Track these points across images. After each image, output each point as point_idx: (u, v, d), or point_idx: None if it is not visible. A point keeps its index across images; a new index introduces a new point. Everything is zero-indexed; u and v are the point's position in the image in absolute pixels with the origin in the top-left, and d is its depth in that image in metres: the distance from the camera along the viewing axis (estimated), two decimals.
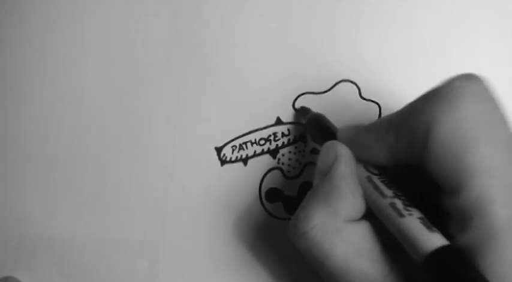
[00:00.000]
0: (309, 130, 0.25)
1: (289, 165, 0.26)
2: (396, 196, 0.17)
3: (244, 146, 0.26)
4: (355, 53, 0.25)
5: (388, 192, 0.18)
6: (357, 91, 0.25)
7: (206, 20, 0.26)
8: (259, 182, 0.26)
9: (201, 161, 0.26)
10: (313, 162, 0.26)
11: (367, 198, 0.19)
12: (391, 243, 0.18)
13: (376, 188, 0.18)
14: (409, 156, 0.18)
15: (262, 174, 0.26)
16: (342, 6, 0.26)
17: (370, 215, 0.19)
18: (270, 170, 0.26)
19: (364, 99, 0.25)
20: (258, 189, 0.26)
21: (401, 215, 0.17)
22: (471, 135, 0.16)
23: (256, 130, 0.26)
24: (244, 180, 0.26)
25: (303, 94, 0.26)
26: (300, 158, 0.26)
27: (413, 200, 0.18)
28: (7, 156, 0.27)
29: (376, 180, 0.18)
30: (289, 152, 0.26)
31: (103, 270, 0.26)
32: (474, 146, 0.16)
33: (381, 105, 0.25)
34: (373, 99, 0.25)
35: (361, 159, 0.20)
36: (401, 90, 0.25)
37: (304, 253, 0.19)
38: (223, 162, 0.26)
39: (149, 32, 0.26)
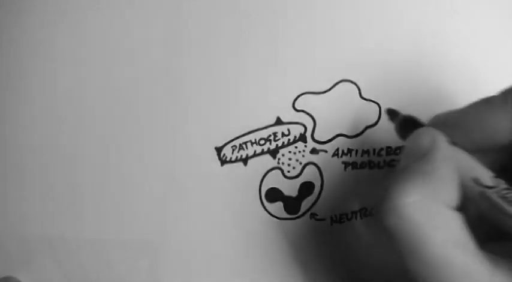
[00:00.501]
0: (401, 131, 0.21)
1: (289, 165, 0.26)
2: None
3: (244, 146, 0.26)
4: (355, 53, 0.25)
5: (511, 209, 0.16)
6: (357, 91, 0.25)
7: (206, 20, 0.26)
8: (259, 182, 0.26)
9: (201, 161, 0.26)
10: (313, 162, 0.26)
11: (485, 213, 0.17)
12: (481, 237, 0.16)
13: (496, 206, 0.16)
14: None
15: (262, 174, 0.26)
16: (342, 6, 0.26)
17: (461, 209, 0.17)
18: (270, 170, 0.26)
19: (364, 99, 0.25)
20: (258, 189, 0.26)
21: None
22: None
23: (256, 130, 0.26)
24: (244, 180, 0.26)
25: (303, 94, 0.26)
26: (300, 158, 0.26)
27: None
28: (7, 156, 0.27)
29: (493, 195, 0.16)
30: (289, 152, 0.26)
31: (103, 270, 0.26)
32: None
33: (381, 105, 0.25)
34: (373, 99, 0.25)
35: (472, 145, 0.18)
36: (401, 90, 0.25)
37: (394, 234, 0.16)
38: (223, 162, 0.26)
39: (149, 31, 0.26)
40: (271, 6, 0.26)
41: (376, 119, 0.25)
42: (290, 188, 0.26)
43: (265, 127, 0.26)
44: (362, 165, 0.25)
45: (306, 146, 0.26)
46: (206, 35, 0.26)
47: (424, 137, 0.18)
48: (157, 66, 0.26)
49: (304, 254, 0.26)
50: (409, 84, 0.25)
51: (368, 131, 0.25)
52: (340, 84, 0.25)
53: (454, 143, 0.18)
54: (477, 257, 0.15)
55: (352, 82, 0.25)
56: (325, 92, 0.26)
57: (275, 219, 0.26)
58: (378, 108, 0.25)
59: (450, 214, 0.16)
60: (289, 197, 0.26)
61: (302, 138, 0.26)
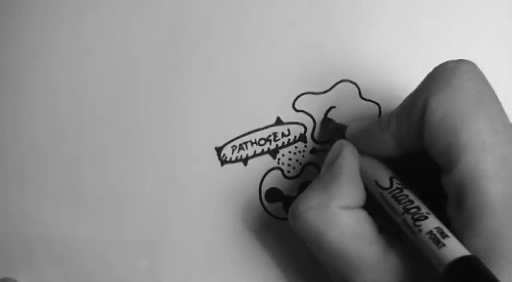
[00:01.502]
0: (331, 138, 0.25)
1: (289, 165, 0.26)
2: (406, 211, 0.18)
3: (244, 146, 0.26)
4: (355, 53, 0.25)
5: (399, 208, 0.18)
6: (357, 91, 0.25)
7: (206, 20, 0.26)
8: (259, 182, 0.26)
9: (201, 161, 0.26)
10: (313, 163, 0.26)
11: (385, 210, 0.19)
12: (388, 230, 0.19)
13: (389, 206, 0.19)
14: (411, 139, 0.19)
15: (262, 174, 0.26)
16: (341, 6, 0.26)
17: (373, 202, 0.20)
18: (270, 170, 0.26)
19: (364, 99, 0.25)
20: (258, 189, 0.26)
21: (413, 233, 0.17)
22: (465, 112, 0.17)
23: (256, 130, 0.26)
24: (244, 180, 0.26)
25: (303, 94, 0.26)
26: (300, 158, 0.26)
27: (421, 189, 0.18)
28: (7, 156, 0.27)
29: (387, 195, 0.19)
30: (289, 152, 0.26)
31: (103, 270, 0.26)
32: (468, 121, 0.17)
33: (381, 105, 0.25)
34: (373, 99, 0.25)
35: (370, 154, 0.21)
36: (401, 90, 0.25)
37: (301, 235, 0.20)
38: (223, 162, 0.26)
39: (149, 31, 0.26)
40: (271, 6, 0.26)
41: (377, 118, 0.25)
42: (290, 188, 0.26)
43: (265, 127, 0.26)
44: None
45: (306, 146, 0.26)
46: (206, 35, 0.26)
47: (334, 149, 0.21)
48: (157, 66, 0.26)
49: (304, 254, 0.26)
50: (409, 84, 0.25)
51: None
52: (340, 84, 0.25)
53: (360, 151, 0.21)
54: (371, 245, 0.18)
55: (352, 82, 0.25)
56: (325, 92, 0.26)
57: (275, 219, 0.26)
58: (378, 108, 0.25)
59: (346, 213, 0.19)
60: (289, 197, 0.26)
61: (302, 138, 0.26)
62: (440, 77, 0.18)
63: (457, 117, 0.17)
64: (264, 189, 0.26)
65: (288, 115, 0.26)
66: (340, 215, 0.19)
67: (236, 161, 0.26)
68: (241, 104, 0.26)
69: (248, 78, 0.26)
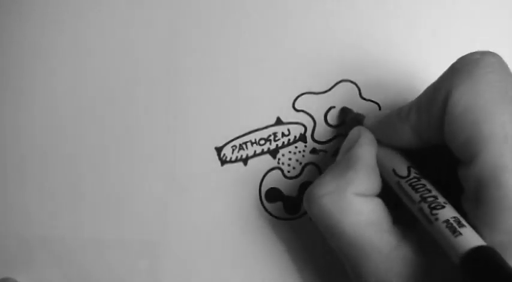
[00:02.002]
0: (349, 128, 0.24)
1: (289, 165, 0.26)
2: (423, 200, 0.18)
3: (244, 146, 0.26)
4: (355, 53, 0.25)
5: (416, 196, 0.18)
6: (357, 91, 0.25)
7: (206, 20, 0.26)
8: (259, 182, 0.26)
9: (201, 161, 0.26)
10: (313, 163, 0.26)
11: (401, 199, 0.19)
12: (403, 219, 0.19)
13: (406, 194, 0.19)
14: (431, 132, 0.18)
15: (262, 174, 0.26)
16: (342, 6, 0.26)
17: (388, 194, 0.20)
18: (270, 170, 0.26)
19: (364, 99, 0.25)
20: (258, 189, 0.26)
21: (429, 221, 0.17)
22: (489, 104, 0.16)
23: (256, 130, 0.26)
24: (244, 180, 0.26)
25: (303, 94, 0.26)
26: (300, 158, 0.26)
27: (437, 181, 0.18)
28: (7, 156, 0.27)
29: (404, 184, 0.19)
30: (289, 152, 0.26)
31: (103, 270, 0.26)
32: (491, 114, 0.16)
33: (381, 105, 0.25)
34: (373, 99, 0.25)
35: (389, 144, 0.20)
36: (401, 90, 0.25)
37: (315, 220, 0.20)
38: (223, 162, 0.26)
39: (149, 31, 0.26)
40: (272, 6, 0.26)
41: None
42: (290, 188, 0.26)
43: (265, 127, 0.26)
44: None
45: (306, 146, 0.26)
46: (206, 35, 0.26)
47: (352, 136, 0.21)
48: (157, 66, 0.26)
49: (304, 254, 0.26)
50: (409, 84, 0.25)
51: None
52: (340, 84, 0.25)
53: (377, 140, 0.21)
54: (385, 233, 0.18)
55: (352, 82, 0.25)
56: (325, 92, 0.26)
57: (275, 219, 0.26)
58: (378, 108, 0.25)
59: (361, 200, 0.19)
60: (289, 197, 0.26)
61: (302, 138, 0.26)
62: (464, 68, 0.17)
63: (480, 109, 0.16)
64: (264, 189, 0.26)
65: (288, 115, 0.26)
66: (356, 202, 0.19)
67: (236, 161, 0.26)
68: (241, 104, 0.26)
69: (248, 78, 0.26)
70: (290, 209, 0.26)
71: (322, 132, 0.26)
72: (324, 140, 0.26)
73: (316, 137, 0.26)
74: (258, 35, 0.26)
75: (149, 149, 0.26)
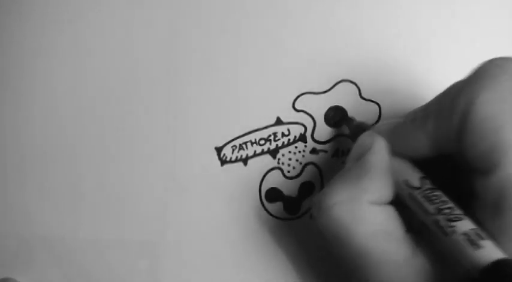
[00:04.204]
0: (353, 136, 0.24)
1: (289, 165, 0.26)
2: (439, 212, 0.17)
3: (244, 146, 0.26)
4: (355, 53, 0.25)
5: (431, 208, 0.18)
6: (357, 91, 0.25)
7: (206, 20, 0.26)
8: (259, 182, 0.26)
9: (201, 161, 0.26)
10: (313, 163, 0.26)
11: (414, 211, 0.19)
12: (416, 227, 0.18)
13: (419, 206, 0.18)
14: (449, 140, 0.18)
15: (262, 174, 0.26)
16: (341, 6, 0.26)
17: (397, 204, 0.19)
18: (270, 170, 0.26)
19: (364, 99, 0.25)
20: (258, 189, 0.26)
21: (445, 234, 0.17)
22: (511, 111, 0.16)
23: (256, 130, 0.26)
24: (244, 180, 0.26)
25: (303, 94, 0.26)
26: (300, 158, 0.26)
27: (449, 190, 0.18)
28: (7, 156, 0.27)
29: (417, 195, 0.18)
30: (289, 152, 0.26)
31: (103, 270, 0.26)
32: None
33: (381, 105, 0.25)
34: (373, 99, 0.25)
35: (400, 154, 0.20)
36: (401, 90, 0.25)
37: (324, 230, 0.19)
38: (223, 162, 0.26)
39: (149, 31, 0.26)
40: (271, 6, 0.26)
41: (376, 119, 0.25)
42: (290, 188, 0.26)
43: (265, 127, 0.26)
44: None
45: (306, 146, 0.26)
46: (206, 35, 0.26)
47: (363, 142, 0.20)
48: (157, 66, 0.26)
49: (304, 254, 0.26)
50: (409, 85, 0.25)
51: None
52: (340, 84, 0.25)
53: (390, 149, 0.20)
54: (399, 243, 0.18)
55: (352, 82, 0.25)
56: (325, 92, 0.26)
57: (275, 219, 0.26)
58: (378, 108, 0.25)
59: (375, 209, 0.18)
60: (289, 197, 0.26)
61: (302, 138, 0.26)
62: (487, 74, 0.17)
63: (504, 116, 0.16)
64: (264, 189, 0.26)
65: (288, 115, 0.26)
66: (370, 211, 0.18)
67: (236, 161, 0.26)
68: (241, 104, 0.26)
69: (248, 78, 0.26)
70: (290, 209, 0.26)
71: (322, 132, 0.26)
72: (324, 140, 0.26)
73: (316, 137, 0.26)
74: (258, 35, 0.26)
75: (149, 149, 0.26)
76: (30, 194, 0.26)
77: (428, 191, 0.18)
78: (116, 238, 0.26)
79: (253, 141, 0.26)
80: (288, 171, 0.26)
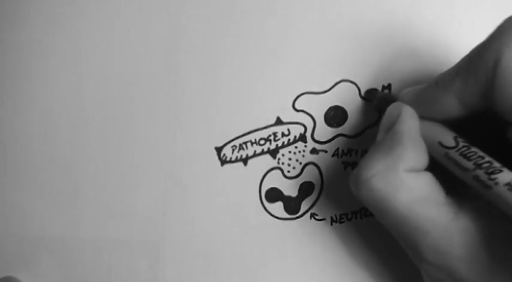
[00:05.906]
0: (378, 108, 0.24)
1: (289, 165, 0.26)
2: (478, 166, 0.17)
3: (244, 146, 0.26)
4: (355, 53, 0.25)
5: (469, 164, 0.18)
6: (357, 91, 0.25)
7: (206, 20, 0.26)
8: (259, 182, 0.26)
9: (201, 161, 0.26)
10: (313, 162, 0.26)
11: (451, 170, 0.19)
12: (457, 189, 0.19)
13: (457, 164, 0.18)
14: (478, 97, 0.18)
15: (262, 174, 0.26)
16: (341, 6, 0.26)
17: (434, 169, 0.19)
18: (270, 170, 0.26)
19: (364, 99, 0.25)
20: (258, 189, 0.26)
21: (488, 187, 0.17)
22: None
23: (256, 130, 0.26)
24: (244, 180, 0.26)
25: (303, 94, 0.26)
26: (300, 158, 0.26)
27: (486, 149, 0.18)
28: (7, 156, 0.27)
29: (454, 154, 0.18)
30: (289, 152, 0.26)
31: (103, 270, 0.26)
32: None
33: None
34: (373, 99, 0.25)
35: (430, 118, 0.20)
36: (401, 90, 0.25)
37: (366, 203, 0.19)
38: (223, 162, 0.26)
39: (149, 31, 0.26)
40: (271, 6, 0.26)
41: (376, 119, 0.25)
42: (290, 188, 0.26)
43: (265, 127, 0.26)
44: None
45: (306, 146, 0.26)
46: (206, 35, 0.26)
47: (391, 113, 0.20)
48: (157, 66, 0.26)
49: (304, 254, 0.26)
50: (409, 85, 0.25)
51: (368, 131, 0.25)
52: (340, 84, 0.25)
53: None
54: (440, 207, 0.18)
55: (352, 82, 0.25)
56: (325, 92, 0.26)
57: (275, 219, 0.26)
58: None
59: (412, 176, 0.18)
60: (289, 197, 0.26)
61: (302, 138, 0.26)
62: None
63: None
64: (264, 189, 0.26)
65: (288, 115, 0.26)
66: (407, 178, 0.18)
67: (236, 161, 0.26)
68: (241, 104, 0.26)
69: (248, 78, 0.26)
70: (290, 209, 0.26)
71: (322, 132, 0.26)
72: (324, 140, 0.26)
73: (316, 137, 0.26)
74: (258, 35, 0.26)
75: (149, 149, 0.26)
76: (30, 194, 0.26)
77: (464, 148, 0.18)
78: (116, 238, 0.26)
79: (253, 141, 0.26)
80: (288, 171, 0.26)
